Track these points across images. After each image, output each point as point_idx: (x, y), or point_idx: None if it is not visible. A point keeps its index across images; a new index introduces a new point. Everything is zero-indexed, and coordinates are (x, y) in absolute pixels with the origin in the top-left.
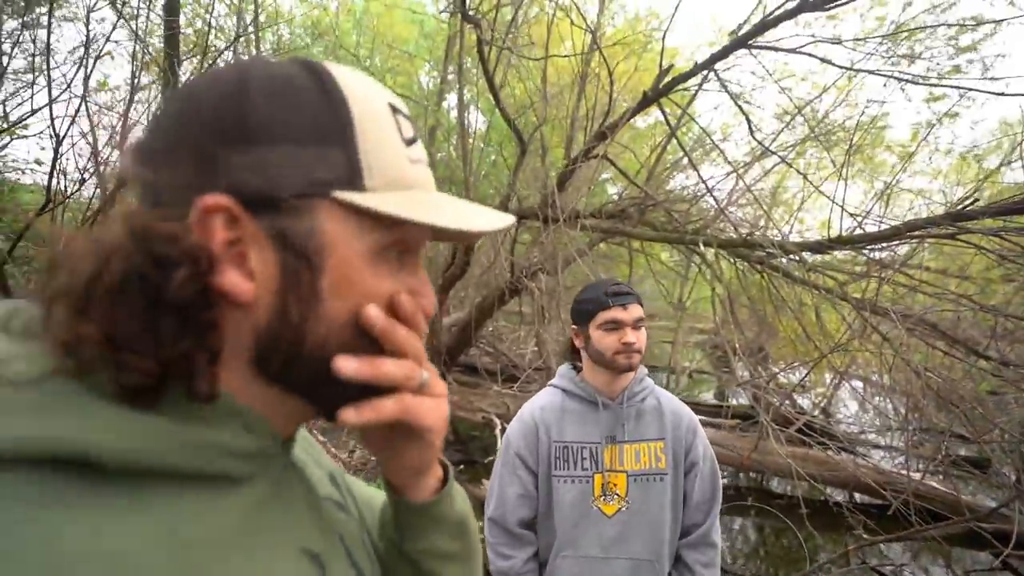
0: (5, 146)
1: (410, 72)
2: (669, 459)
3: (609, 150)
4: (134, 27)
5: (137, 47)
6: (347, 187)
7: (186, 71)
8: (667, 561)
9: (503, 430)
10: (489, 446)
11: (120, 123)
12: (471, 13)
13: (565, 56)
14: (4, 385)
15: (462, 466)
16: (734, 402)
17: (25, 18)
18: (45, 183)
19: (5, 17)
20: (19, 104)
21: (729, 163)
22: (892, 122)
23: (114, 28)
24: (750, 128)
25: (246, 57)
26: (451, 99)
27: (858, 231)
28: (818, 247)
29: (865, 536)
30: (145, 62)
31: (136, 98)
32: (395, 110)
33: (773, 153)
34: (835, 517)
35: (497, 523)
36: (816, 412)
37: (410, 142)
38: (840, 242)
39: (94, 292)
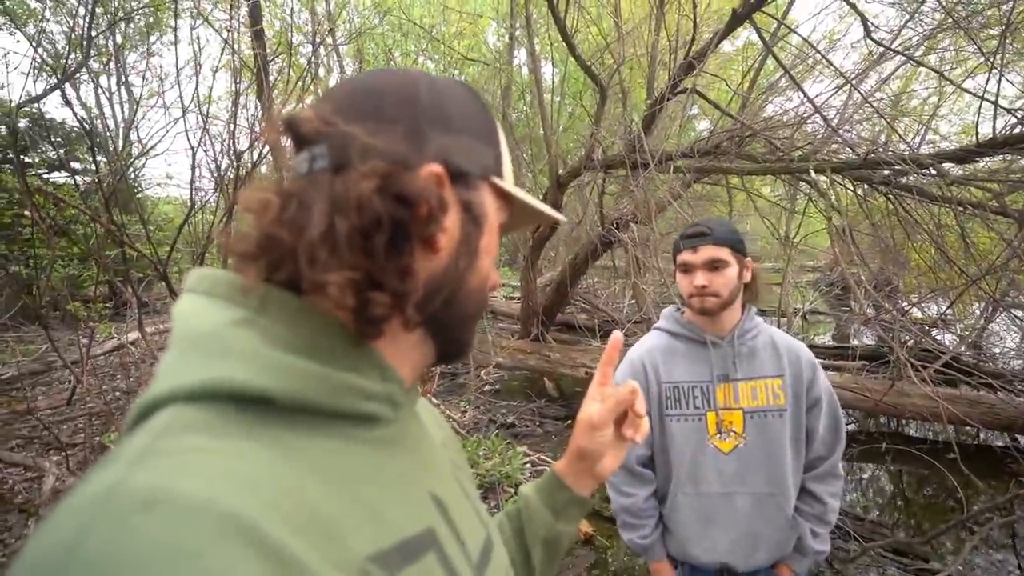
0: (142, 166)
1: (477, 33)
2: (789, 395)
3: (697, 82)
4: (226, 38)
5: (230, 57)
6: (496, 175)
7: (273, 71)
8: (791, 495)
9: None
10: None
11: (229, 128)
12: None
13: None
14: (191, 336)
15: (568, 420)
16: (857, 343)
17: (141, 49)
18: (175, 195)
19: (126, 52)
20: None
21: (841, 75)
22: None
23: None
24: (865, 28)
25: (324, 52)
26: (520, 56)
27: (1019, 129)
28: (963, 156)
29: None
30: (237, 69)
31: (237, 103)
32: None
33: (897, 53)
34: (992, 463)
35: None
36: (963, 348)
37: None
38: (993, 146)
39: (335, 239)
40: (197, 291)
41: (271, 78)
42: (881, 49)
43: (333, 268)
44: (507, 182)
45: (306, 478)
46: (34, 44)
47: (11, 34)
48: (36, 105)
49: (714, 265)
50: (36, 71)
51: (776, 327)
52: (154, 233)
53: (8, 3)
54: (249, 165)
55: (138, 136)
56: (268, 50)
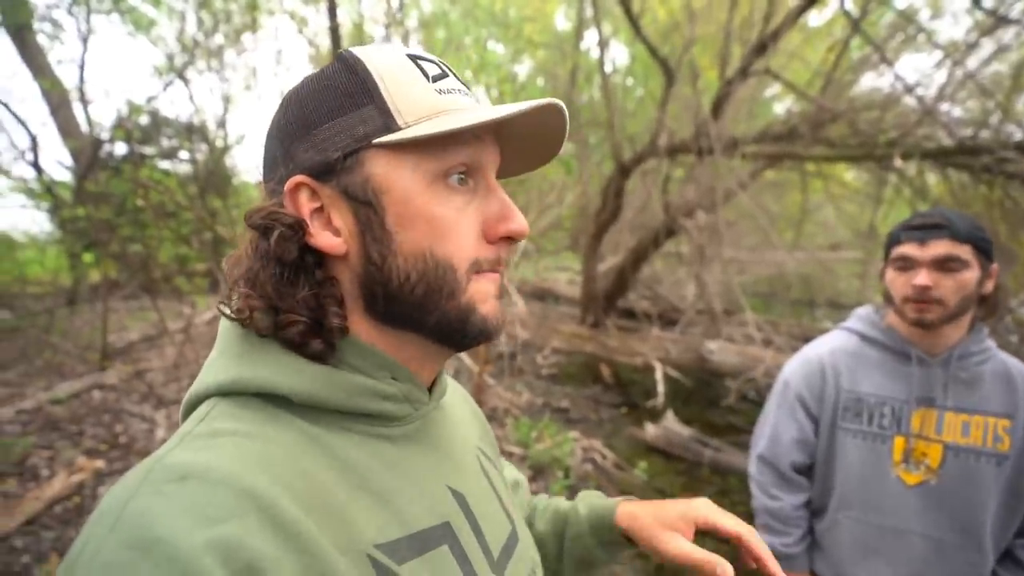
0: (231, 156)
1: (546, 15)
2: (1016, 441)
3: (773, 62)
4: (304, 33)
5: (311, 50)
6: (383, 132)
7: None
8: (987, 552)
9: (664, 374)
10: (650, 390)
11: None
12: None
13: None
14: (226, 338)
15: (624, 408)
16: None
17: (236, 47)
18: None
19: (224, 51)
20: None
21: (941, 48)
22: None
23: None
24: None
25: (398, 39)
26: (589, 38)
27: None
28: None
29: None
30: (317, 61)
31: None
32: (416, 58)
33: (1012, 22)
34: None
35: (768, 462)
36: None
37: (437, 78)
38: None
39: (251, 272)
40: None
41: None
42: (995, 18)
43: (247, 299)
44: (413, 125)
45: (323, 465)
46: (157, 47)
47: (133, 38)
48: (154, 103)
49: (948, 265)
50: (155, 73)
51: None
52: (237, 217)
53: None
54: None
55: (230, 128)
56: (344, 43)
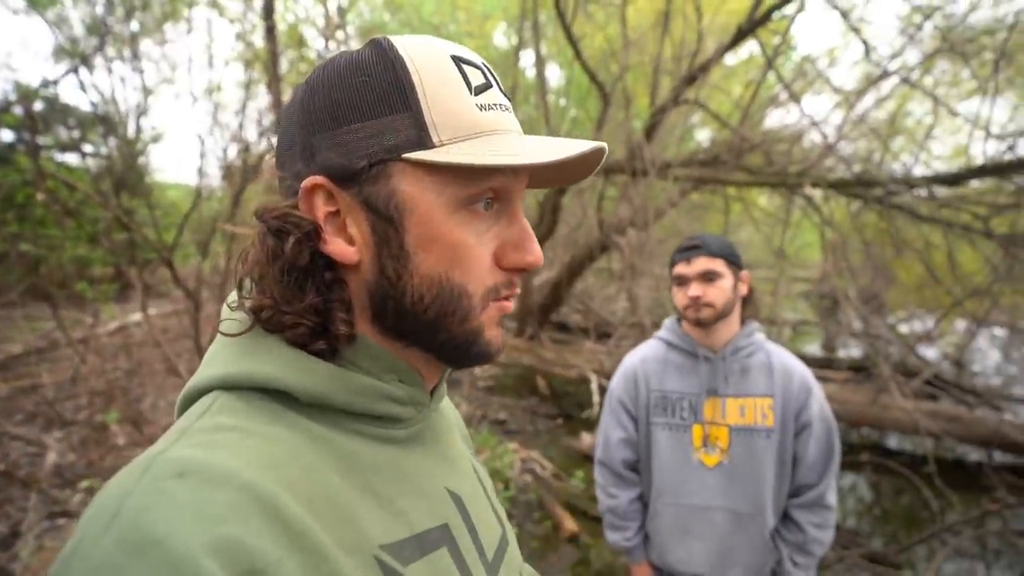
0: (147, 153)
1: (486, 33)
2: (777, 416)
3: (699, 93)
4: (238, 31)
5: (242, 49)
6: (416, 147)
7: (284, 63)
8: (770, 517)
9: (599, 386)
10: (584, 402)
11: (239, 119)
12: None
13: None
14: (225, 336)
15: (559, 420)
16: (843, 355)
17: (156, 36)
18: (181, 179)
19: (140, 39)
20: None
21: (837, 92)
22: None
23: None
24: (865, 48)
25: (334, 46)
26: (527, 58)
27: (1008, 156)
28: (954, 179)
29: (1010, 498)
30: (248, 60)
31: (248, 94)
32: (460, 61)
33: (892, 75)
34: (967, 477)
35: (604, 464)
36: (945, 363)
37: (481, 89)
38: (984, 172)
39: (259, 271)
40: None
41: (281, 70)
42: (879, 69)
43: (251, 298)
44: (448, 144)
45: (326, 464)
46: (53, 30)
47: (29, 17)
48: (52, 88)
49: (708, 276)
50: (55, 56)
51: (767, 338)
52: (160, 219)
53: None
54: (257, 156)
55: (146, 124)
56: (280, 43)
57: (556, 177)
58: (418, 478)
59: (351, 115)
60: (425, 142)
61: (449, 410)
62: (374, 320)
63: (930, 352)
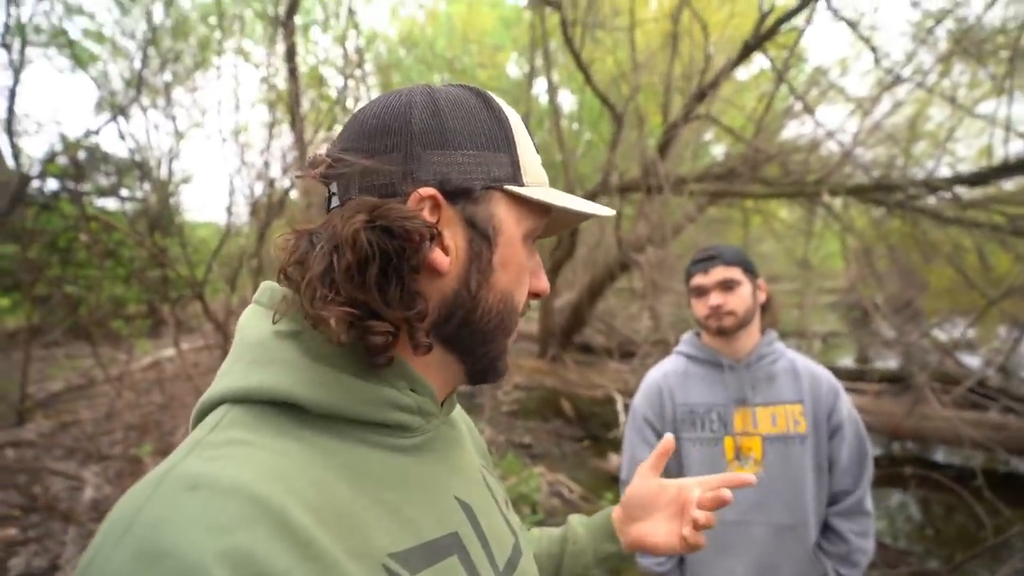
0: (178, 194)
1: (498, 64)
2: (809, 422)
3: (711, 107)
4: (263, 75)
5: (267, 92)
6: (512, 183)
7: (306, 103)
8: (812, 528)
9: (625, 405)
10: (610, 422)
11: (263, 157)
12: None
13: (653, 19)
14: (243, 344)
15: (585, 441)
16: (879, 365)
17: (187, 84)
18: (212, 219)
19: (173, 89)
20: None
21: (851, 100)
22: None
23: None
24: (875, 56)
25: (353, 84)
26: (540, 85)
27: None
28: (977, 179)
29: None
30: (272, 102)
31: (272, 133)
32: (525, 123)
33: (905, 80)
34: (1022, 490)
35: None
36: (990, 371)
37: (537, 149)
38: (1006, 170)
39: (334, 275)
40: (259, 302)
41: (303, 109)
42: (892, 76)
43: (332, 303)
44: (531, 186)
45: (334, 476)
46: (98, 84)
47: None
48: (93, 138)
49: (727, 285)
50: (97, 108)
51: (796, 351)
52: (191, 255)
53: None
54: (281, 192)
55: (176, 166)
56: (301, 84)
57: (559, 227)
58: (427, 487)
59: (463, 143)
60: (518, 180)
61: (462, 422)
62: (433, 325)
63: (973, 359)
